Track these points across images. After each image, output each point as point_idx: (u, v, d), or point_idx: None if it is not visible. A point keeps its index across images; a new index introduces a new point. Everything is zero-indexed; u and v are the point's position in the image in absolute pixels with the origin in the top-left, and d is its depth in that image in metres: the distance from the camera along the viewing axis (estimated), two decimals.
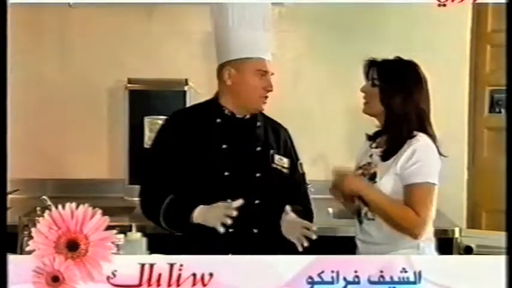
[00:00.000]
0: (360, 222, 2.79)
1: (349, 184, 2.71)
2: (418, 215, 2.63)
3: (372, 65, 2.78)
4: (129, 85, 4.01)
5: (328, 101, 4.14)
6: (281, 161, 2.89)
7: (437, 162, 2.72)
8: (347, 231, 2.92)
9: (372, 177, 2.73)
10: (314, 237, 2.63)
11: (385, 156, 2.72)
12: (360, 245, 2.80)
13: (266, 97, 2.83)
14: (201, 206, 2.68)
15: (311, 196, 3.00)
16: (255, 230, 2.80)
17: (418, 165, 2.65)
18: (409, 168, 2.65)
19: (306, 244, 2.63)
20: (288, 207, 2.75)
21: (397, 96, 2.71)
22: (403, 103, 2.70)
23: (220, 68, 2.84)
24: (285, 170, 2.89)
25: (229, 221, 2.57)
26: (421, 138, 2.70)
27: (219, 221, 2.59)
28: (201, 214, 2.67)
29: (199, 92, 3.72)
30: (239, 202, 2.61)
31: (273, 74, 2.83)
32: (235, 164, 2.79)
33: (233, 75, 2.81)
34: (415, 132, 2.70)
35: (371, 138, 2.86)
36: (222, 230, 2.59)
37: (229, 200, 2.70)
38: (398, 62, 2.78)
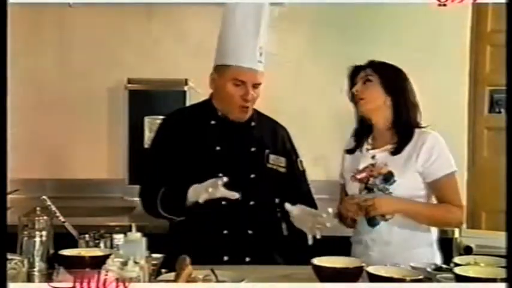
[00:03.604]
0: (373, 225, 2.73)
1: (380, 207, 2.64)
2: (457, 206, 2.71)
3: (357, 70, 2.78)
4: (129, 85, 4.01)
5: (328, 101, 4.13)
6: (277, 160, 2.86)
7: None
8: (347, 231, 2.91)
9: (388, 177, 2.70)
10: (329, 224, 2.58)
11: (398, 150, 2.71)
12: (373, 247, 2.74)
13: (246, 106, 2.76)
14: (194, 185, 2.65)
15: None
16: (250, 232, 2.78)
17: (443, 158, 2.70)
18: (434, 164, 2.69)
19: (318, 236, 2.59)
20: (287, 204, 2.71)
21: (401, 84, 2.75)
22: (409, 90, 2.75)
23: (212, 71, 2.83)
24: (281, 169, 2.87)
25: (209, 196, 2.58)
26: (428, 129, 2.74)
27: (206, 193, 2.58)
28: (193, 191, 2.65)
29: (199, 92, 3.72)
30: (225, 179, 2.58)
31: (258, 84, 2.75)
32: (229, 166, 2.76)
33: (215, 80, 2.79)
34: (421, 123, 2.74)
35: (358, 137, 2.87)
36: (201, 200, 2.59)
37: (221, 176, 2.65)
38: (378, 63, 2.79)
